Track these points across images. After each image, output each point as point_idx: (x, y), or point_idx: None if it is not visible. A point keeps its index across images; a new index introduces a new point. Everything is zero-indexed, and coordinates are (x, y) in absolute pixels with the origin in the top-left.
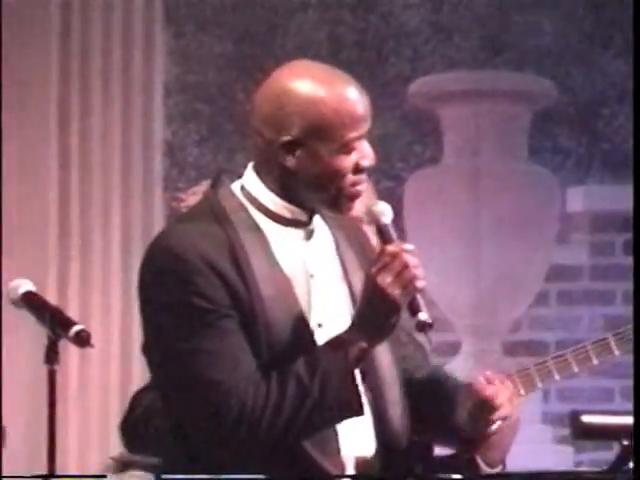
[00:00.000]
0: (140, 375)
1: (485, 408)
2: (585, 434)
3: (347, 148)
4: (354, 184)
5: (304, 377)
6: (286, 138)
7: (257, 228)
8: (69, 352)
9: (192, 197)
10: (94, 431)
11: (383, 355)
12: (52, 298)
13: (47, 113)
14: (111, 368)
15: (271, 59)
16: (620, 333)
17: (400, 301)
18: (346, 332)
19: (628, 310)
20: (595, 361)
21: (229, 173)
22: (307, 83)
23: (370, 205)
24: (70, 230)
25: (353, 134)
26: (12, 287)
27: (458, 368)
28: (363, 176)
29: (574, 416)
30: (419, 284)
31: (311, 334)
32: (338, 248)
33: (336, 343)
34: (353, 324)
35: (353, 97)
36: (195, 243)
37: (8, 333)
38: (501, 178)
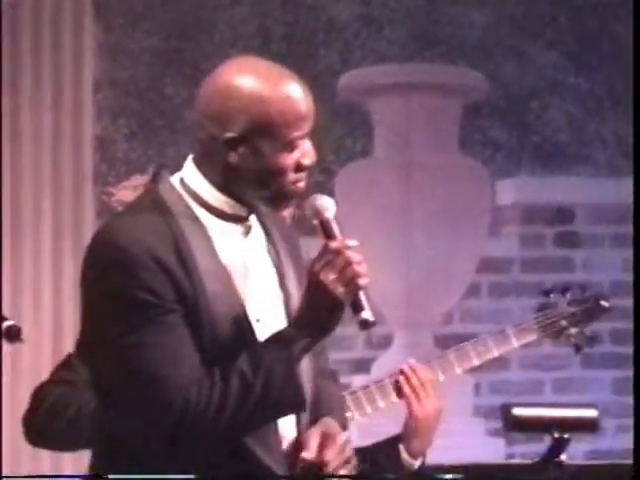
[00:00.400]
0: None
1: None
2: (517, 426)
3: (290, 147)
4: (295, 182)
5: (247, 373)
6: (230, 134)
7: (199, 222)
8: None
9: (122, 192)
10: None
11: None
12: None
13: None
14: (42, 364)
15: (201, 53)
16: (521, 324)
17: (343, 298)
18: (289, 328)
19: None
20: (515, 344)
21: (168, 167)
22: (253, 80)
23: (313, 199)
24: (1, 225)
25: (296, 133)
26: None
27: (391, 361)
28: (304, 174)
29: (505, 409)
30: (362, 281)
31: (252, 329)
32: (272, 244)
33: (279, 339)
34: (296, 320)
35: (298, 96)
36: (140, 237)
37: None
38: (432, 171)
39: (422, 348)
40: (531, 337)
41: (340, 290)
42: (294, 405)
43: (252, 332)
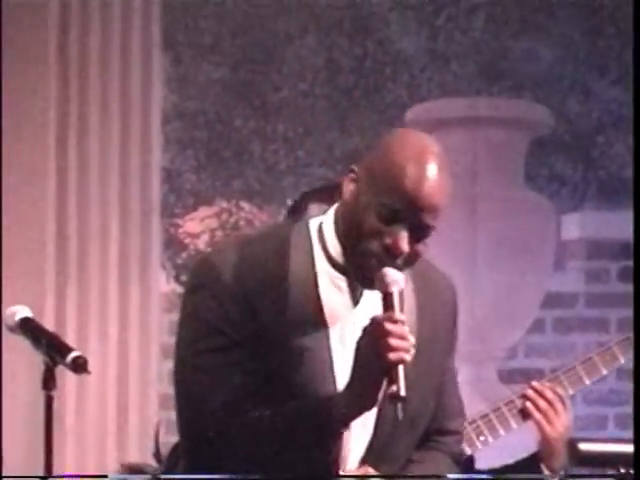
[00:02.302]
0: (137, 401)
1: None
2: (583, 462)
3: (383, 215)
4: (377, 262)
5: (280, 422)
6: (350, 174)
7: (312, 267)
8: (66, 378)
9: (189, 223)
10: (90, 457)
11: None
12: (49, 324)
13: (45, 139)
14: (108, 394)
15: (268, 85)
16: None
17: (374, 369)
18: (339, 394)
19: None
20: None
21: (316, 204)
22: (398, 142)
23: (383, 271)
24: (67, 256)
25: (390, 202)
26: (9, 314)
27: None
28: (389, 258)
29: (571, 444)
30: (393, 356)
31: (332, 383)
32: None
33: (323, 400)
34: (344, 388)
35: (420, 174)
36: (240, 268)
37: (5, 360)
38: (497, 204)
39: (486, 383)
40: (619, 361)
41: (374, 363)
42: (317, 469)
43: (330, 384)
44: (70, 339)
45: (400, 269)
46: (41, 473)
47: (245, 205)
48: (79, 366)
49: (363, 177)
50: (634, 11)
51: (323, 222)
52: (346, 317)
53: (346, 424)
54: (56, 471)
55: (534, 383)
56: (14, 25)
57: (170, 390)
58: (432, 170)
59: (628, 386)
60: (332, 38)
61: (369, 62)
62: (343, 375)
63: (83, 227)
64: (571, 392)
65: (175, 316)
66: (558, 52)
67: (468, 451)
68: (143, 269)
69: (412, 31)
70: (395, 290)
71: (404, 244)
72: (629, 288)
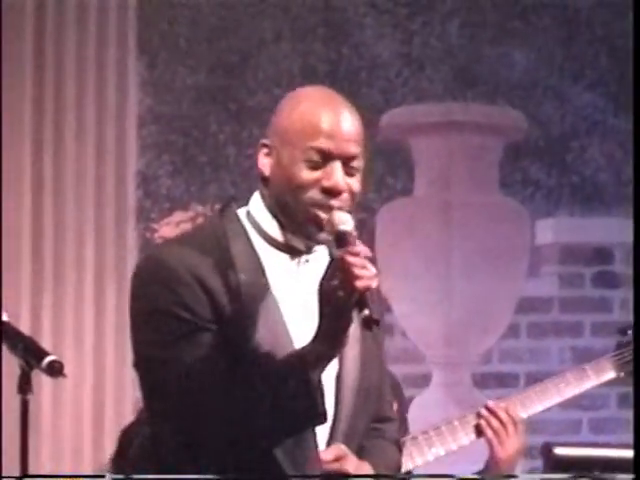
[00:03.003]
0: (112, 405)
1: None
2: (558, 466)
3: (309, 161)
4: (318, 205)
5: (261, 384)
6: (262, 141)
7: (253, 251)
8: (42, 382)
9: (165, 228)
10: (66, 461)
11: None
12: (25, 329)
13: (20, 143)
14: (83, 399)
15: (244, 90)
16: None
17: (342, 302)
18: (309, 343)
19: (596, 342)
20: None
21: (238, 201)
22: (296, 96)
23: (331, 215)
24: (43, 261)
25: (313, 144)
26: None
27: (429, 399)
28: (329, 202)
29: (546, 448)
30: (360, 283)
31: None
32: None
33: (294, 352)
34: (314, 336)
35: (327, 111)
36: (185, 256)
37: None
38: (472, 210)
39: (460, 387)
40: (610, 375)
41: (340, 294)
42: (311, 416)
43: (288, 343)
44: (46, 343)
45: (344, 210)
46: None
47: None
48: (55, 370)
49: (277, 143)
50: (634, 11)
51: (250, 208)
52: (291, 287)
53: (323, 367)
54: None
55: (489, 403)
56: None
57: None
58: (339, 103)
59: (602, 391)
60: (307, 43)
61: (344, 67)
62: (298, 339)
63: (58, 231)
64: (524, 415)
65: None
66: (532, 57)
67: (419, 461)
68: (119, 273)
69: (387, 36)
70: (347, 228)
71: (341, 180)
72: (603, 293)
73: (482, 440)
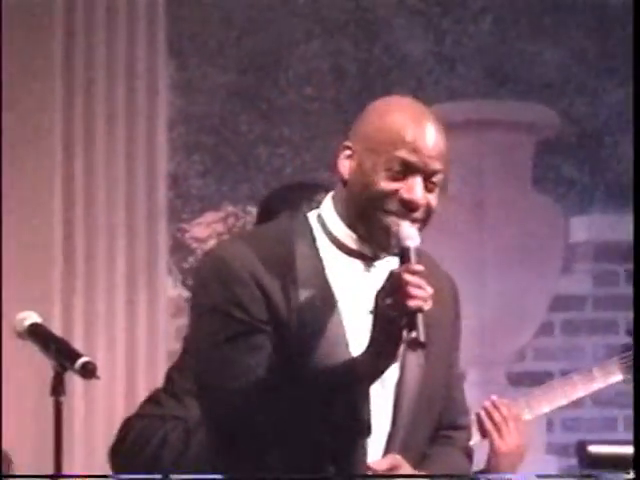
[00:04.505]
0: None
1: None
2: (592, 464)
3: (391, 170)
4: (395, 215)
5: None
6: (344, 143)
7: (317, 254)
8: (75, 384)
9: (196, 228)
10: (99, 463)
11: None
12: (56, 330)
13: (51, 145)
14: (116, 400)
15: (274, 90)
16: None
17: (393, 319)
18: (360, 354)
19: (631, 340)
20: (601, 383)
21: (286, 202)
22: (388, 105)
23: (399, 227)
24: (75, 261)
25: (398, 153)
26: (18, 319)
27: None
28: (409, 215)
29: (581, 446)
30: (413, 303)
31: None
32: None
33: (345, 364)
34: (366, 347)
35: (414, 124)
36: (246, 256)
37: (14, 365)
38: (505, 208)
39: (495, 386)
40: (617, 377)
41: (393, 313)
42: (354, 428)
43: (345, 354)
44: (78, 345)
45: (418, 224)
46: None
47: (252, 209)
48: (88, 372)
49: (360, 148)
50: (634, 12)
51: (321, 211)
52: (356, 293)
53: (371, 382)
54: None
55: (493, 397)
56: (18, 32)
57: None
58: (428, 117)
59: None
60: (338, 42)
61: (375, 66)
62: (357, 347)
63: (90, 233)
64: (529, 416)
65: (182, 321)
66: (565, 54)
67: None
68: (150, 274)
69: (418, 35)
70: (411, 244)
71: (420, 194)
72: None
73: (480, 443)
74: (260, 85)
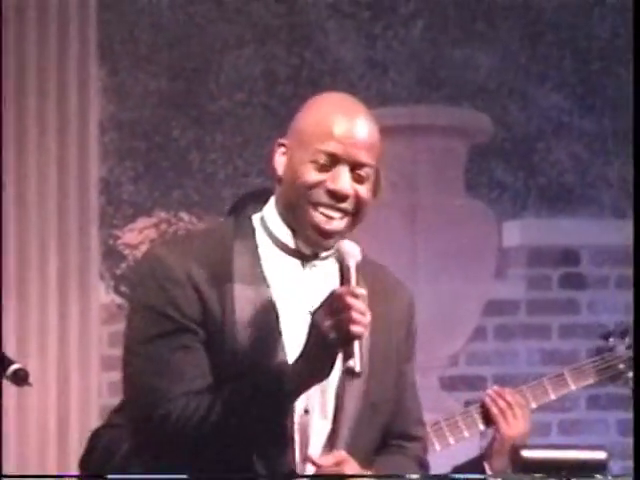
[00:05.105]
0: (77, 413)
1: None
2: (525, 469)
3: (317, 163)
4: (322, 207)
5: (232, 400)
6: (279, 140)
7: (256, 256)
8: (7, 390)
9: (128, 234)
10: (32, 468)
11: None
12: None
13: None
14: (48, 407)
15: (206, 95)
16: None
17: (334, 343)
18: (287, 364)
19: (564, 344)
20: (572, 387)
21: (254, 205)
22: (317, 100)
23: (340, 244)
24: (7, 268)
25: (323, 147)
26: None
27: None
28: (335, 207)
29: (514, 451)
30: (355, 329)
31: (283, 361)
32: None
33: (274, 371)
34: (295, 360)
35: (342, 117)
36: (182, 255)
37: None
38: (438, 213)
39: (428, 391)
40: (589, 380)
41: (332, 335)
42: (272, 440)
43: (280, 357)
44: (9, 352)
45: (349, 217)
46: None
47: (184, 215)
48: (20, 379)
49: (292, 144)
50: (634, 12)
51: (264, 212)
52: (295, 293)
53: (298, 394)
54: None
55: (495, 387)
56: None
57: (110, 402)
58: (357, 111)
59: (570, 393)
60: (269, 47)
61: (307, 71)
62: (293, 347)
63: (22, 238)
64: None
65: (114, 327)
66: (497, 59)
67: None
68: (82, 280)
69: (350, 39)
70: (352, 263)
71: (347, 184)
72: (570, 295)
73: (479, 440)
74: (192, 91)
